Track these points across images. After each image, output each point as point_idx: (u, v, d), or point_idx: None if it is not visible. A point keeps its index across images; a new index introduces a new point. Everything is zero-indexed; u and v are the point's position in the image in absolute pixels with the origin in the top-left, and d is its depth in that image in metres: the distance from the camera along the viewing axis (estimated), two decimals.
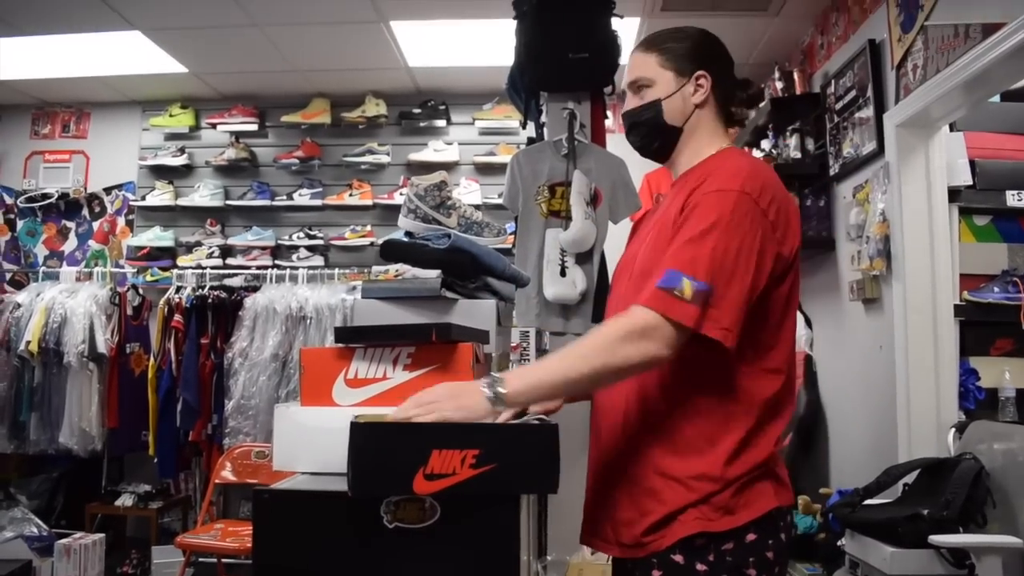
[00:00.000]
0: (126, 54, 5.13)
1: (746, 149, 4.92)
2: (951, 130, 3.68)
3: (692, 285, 1.46)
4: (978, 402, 3.51)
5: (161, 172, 5.90)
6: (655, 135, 1.77)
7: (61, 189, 5.98)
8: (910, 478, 3.17)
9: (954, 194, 3.61)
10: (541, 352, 4.18)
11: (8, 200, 6.04)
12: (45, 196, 5.95)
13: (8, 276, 5.94)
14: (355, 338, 1.72)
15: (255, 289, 5.28)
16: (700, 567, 1.54)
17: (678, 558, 1.55)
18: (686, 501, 1.55)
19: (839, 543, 3.27)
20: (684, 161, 1.77)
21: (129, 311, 5.36)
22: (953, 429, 3.33)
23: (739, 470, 1.56)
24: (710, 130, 1.76)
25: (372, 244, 5.61)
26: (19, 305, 5.17)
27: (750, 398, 1.57)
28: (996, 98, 3.69)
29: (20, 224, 6.02)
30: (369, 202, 5.67)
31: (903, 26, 3.48)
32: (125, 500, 5.12)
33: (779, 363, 1.61)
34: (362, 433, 1.42)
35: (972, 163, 3.64)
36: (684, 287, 1.46)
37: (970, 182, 3.63)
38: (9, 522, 4.38)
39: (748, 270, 1.51)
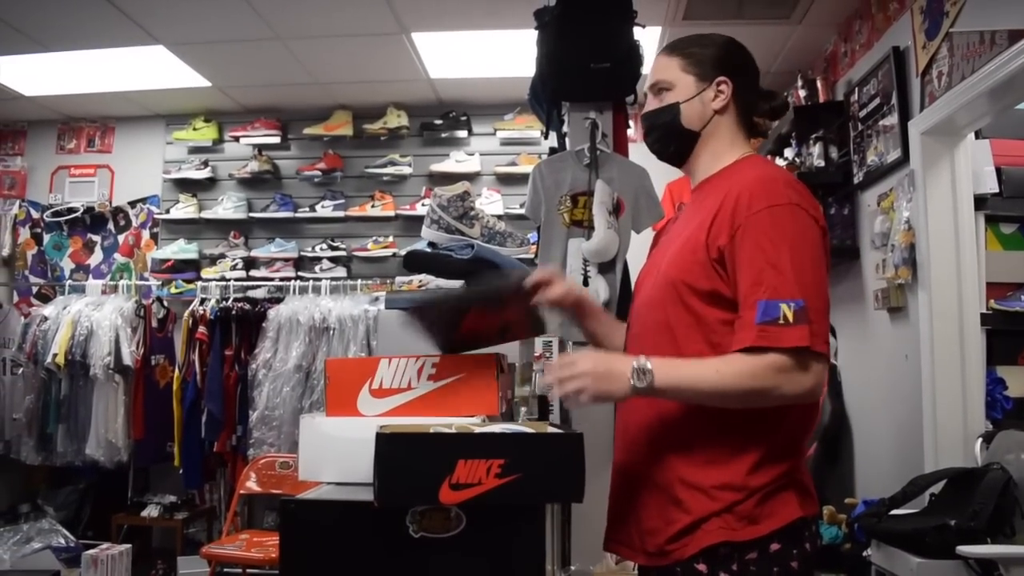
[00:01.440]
0: (150, 69, 5.18)
1: (769, 158, 4.90)
2: (977, 137, 3.65)
3: (792, 307, 1.47)
4: (1005, 412, 3.47)
5: (185, 185, 5.95)
6: (672, 138, 1.76)
7: (87, 203, 6.04)
8: (936, 488, 3.14)
9: (980, 202, 3.58)
10: None
11: (35, 214, 6.10)
12: (71, 210, 6.01)
13: (35, 290, 6.00)
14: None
15: (278, 300, 5.30)
16: None
17: (701, 567, 1.55)
18: (709, 510, 1.55)
19: (865, 553, 3.24)
20: (702, 167, 1.76)
21: (154, 323, 5.40)
22: (980, 439, 3.29)
23: (762, 479, 1.55)
24: (729, 137, 1.74)
25: (394, 255, 5.62)
26: (46, 318, 5.22)
27: (776, 407, 1.56)
28: (1022, 105, 3.66)
29: (47, 238, 6.08)
30: (391, 213, 5.69)
31: (928, 33, 3.46)
32: (151, 511, 5.15)
33: None
34: (388, 443, 1.42)
35: (998, 171, 3.61)
36: (785, 313, 1.47)
37: (996, 190, 3.61)
38: (37, 533, 4.41)
39: (824, 279, 1.54)
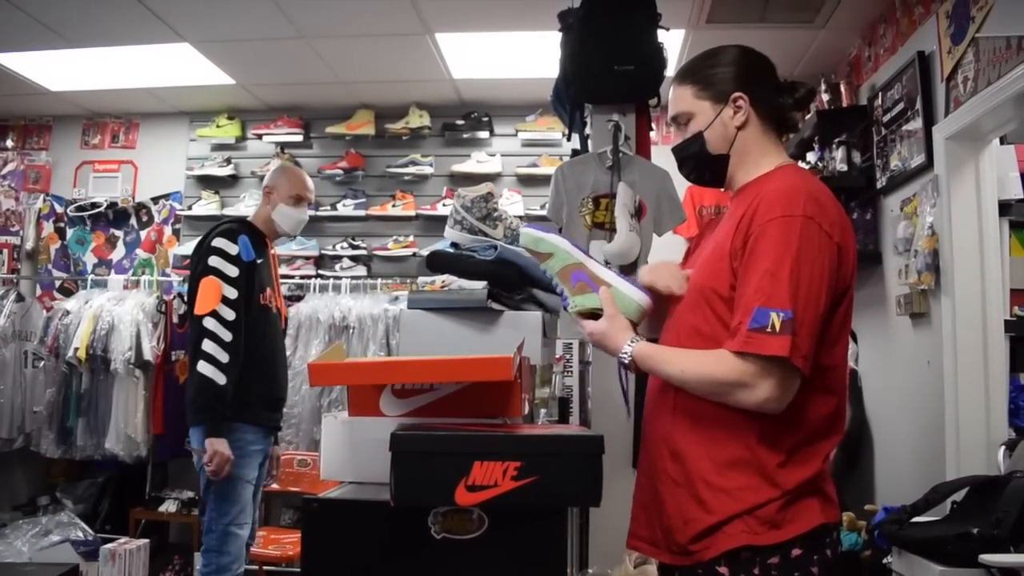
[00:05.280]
0: (174, 66, 5.21)
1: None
2: (1002, 143, 3.63)
3: (780, 317, 1.50)
4: None
5: (207, 182, 5.98)
6: (704, 166, 1.79)
7: (110, 198, 6.07)
8: (958, 496, 3.12)
9: (1005, 208, 3.56)
10: (585, 364, 4.17)
11: (59, 209, 6.15)
12: (94, 205, 6.06)
13: (58, 284, 6.05)
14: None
15: (299, 299, 5.32)
16: None
17: (723, 570, 1.56)
18: (732, 511, 1.56)
19: (885, 561, 3.22)
20: (740, 179, 1.76)
21: (175, 319, 5.41)
22: (1003, 447, 3.27)
23: (787, 485, 1.56)
24: (761, 146, 1.74)
25: (414, 255, 5.63)
26: (68, 312, 5.26)
27: (801, 415, 1.57)
28: None
29: (70, 232, 6.12)
30: (412, 213, 5.70)
31: (953, 38, 3.44)
32: (169, 506, 5.17)
33: (832, 383, 1.62)
34: (404, 443, 1.42)
35: (1023, 176, 3.59)
36: (773, 321, 1.49)
37: (1021, 196, 3.59)
38: (56, 526, 4.44)
39: (821, 296, 1.54)
